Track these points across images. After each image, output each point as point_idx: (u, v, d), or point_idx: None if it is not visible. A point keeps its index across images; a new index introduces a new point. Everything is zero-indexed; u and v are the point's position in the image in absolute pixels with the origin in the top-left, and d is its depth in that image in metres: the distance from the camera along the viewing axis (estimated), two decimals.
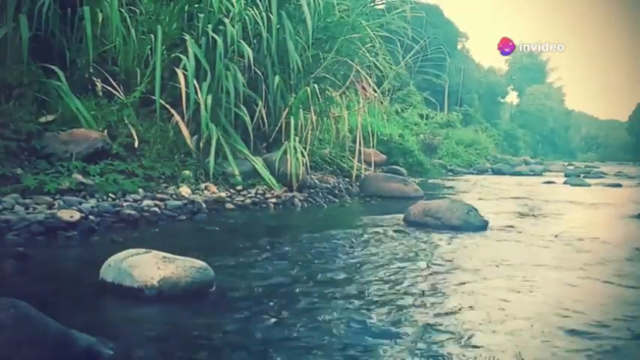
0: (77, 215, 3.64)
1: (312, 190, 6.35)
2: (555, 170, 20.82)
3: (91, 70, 5.51)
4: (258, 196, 5.55)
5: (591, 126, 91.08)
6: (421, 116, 22.71)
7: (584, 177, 15.00)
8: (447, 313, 2.18)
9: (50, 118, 4.85)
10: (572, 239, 4.06)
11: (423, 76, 10.73)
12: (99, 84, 5.51)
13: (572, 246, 3.82)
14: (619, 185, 11.95)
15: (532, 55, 71.57)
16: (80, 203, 3.92)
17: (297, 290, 2.46)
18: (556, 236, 4.18)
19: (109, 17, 5.52)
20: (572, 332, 1.98)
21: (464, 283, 2.68)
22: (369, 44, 7.66)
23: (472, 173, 17.55)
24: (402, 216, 4.89)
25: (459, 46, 45.81)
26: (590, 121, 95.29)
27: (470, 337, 1.90)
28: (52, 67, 5.11)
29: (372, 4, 8.29)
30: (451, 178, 14.20)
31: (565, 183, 12.29)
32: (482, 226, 4.46)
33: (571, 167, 25.34)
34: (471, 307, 2.28)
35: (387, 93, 8.84)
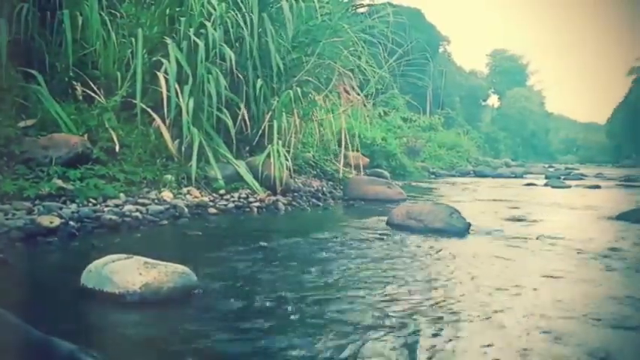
0: (57, 221, 3.59)
1: (295, 194, 6.34)
2: (536, 172, 21.04)
3: (71, 74, 5.45)
4: (242, 200, 5.52)
5: (570, 129, 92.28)
6: (404, 119, 22.82)
7: (564, 179, 15.17)
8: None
9: (30, 122, 4.79)
10: (554, 240, 4.11)
11: (406, 80, 10.76)
12: (79, 88, 5.45)
13: (554, 247, 3.86)
14: (598, 187, 12.12)
15: (512, 59, 72.44)
16: (60, 209, 3.86)
17: (282, 296, 2.45)
18: (537, 238, 4.22)
19: (89, 21, 5.48)
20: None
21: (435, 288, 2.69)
22: (352, 48, 7.69)
23: (454, 176, 17.67)
24: (385, 218, 4.91)
25: (441, 50, 46.18)
26: (570, 123, 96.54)
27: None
28: (32, 71, 5.05)
29: (354, 8, 8.32)
30: (434, 180, 14.29)
31: (546, 185, 12.43)
32: (465, 228, 4.49)
33: (551, 169, 25.64)
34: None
35: (370, 96, 8.87)
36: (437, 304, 2.34)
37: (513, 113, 63.64)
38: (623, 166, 38.73)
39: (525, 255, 3.60)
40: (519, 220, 5.56)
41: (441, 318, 2.14)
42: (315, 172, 8.02)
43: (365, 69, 7.98)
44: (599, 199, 8.97)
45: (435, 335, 1.94)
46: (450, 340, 1.90)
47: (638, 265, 3.31)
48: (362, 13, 8.51)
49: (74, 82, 5.46)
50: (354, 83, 7.97)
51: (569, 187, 11.93)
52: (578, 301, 2.46)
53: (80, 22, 5.54)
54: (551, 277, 2.94)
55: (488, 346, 1.85)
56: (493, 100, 70.60)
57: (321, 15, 7.22)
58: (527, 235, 4.34)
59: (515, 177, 17.68)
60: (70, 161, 4.56)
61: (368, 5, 8.42)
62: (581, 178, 16.54)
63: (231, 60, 5.81)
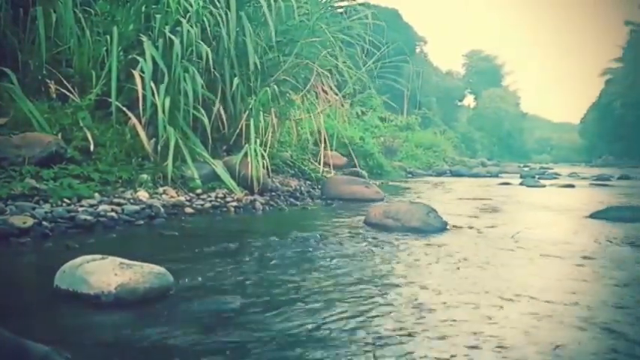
0: (30, 221, 3.53)
1: (273, 194, 6.32)
2: (511, 171, 21.29)
3: (45, 72, 5.37)
4: (219, 199, 5.49)
5: (545, 129, 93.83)
6: (381, 119, 22.94)
7: (539, 178, 15.37)
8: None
9: (2, 121, 4.71)
10: (528, 240, 4.16)
11: (385, 81, 10.84)
12: (52, 86, 5.37)
13: (528, 247, 3.91)
14: (572, 186, 12.31)
15: (488, 59, 73.36)
16: (33, 209, 3.80)
17: (257, 296, 2.44)
18: (512, 237, 4.27)
19: (62, 18, 5.40)
20: None
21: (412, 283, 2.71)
22: (330, 49, 7.69)
23: (431, 175, 17.81)
24: (362, 218, 4.93)
25: (417, 50, 46.55)
26: (544, 123, 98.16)
27: None
28: (4, 69, 4.96)
29: (333, 8, 8.33)
30: (411, 180, 14.38)
31: (521, 184, 12.58)
32: (442, 227, 4.53)
33: (526, 168, 26.00)
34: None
35: (348, 96, 8.91)
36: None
37: (489, 113, 64.48)
38: (596, 165, 39.51)
39: (500, 253, 3.64)
40: (494, 218, 5.63)
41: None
42: (292, 172, 8.01)
43: (342, 70, 8.00)
44: (572, 198, 9.13)
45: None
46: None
47: (607, 263, 3.37)
48: (340, 14, 8.53)
49: (47, 81, 5.38)
50: (331, 83, 7.98)
51: (544, 186, 12.10)
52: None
53: (54, 20, 5.46)
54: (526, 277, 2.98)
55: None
56: (469, 100, 71.54)
57: (299, 15, 7.22)
58: (503, 234, 4.39)
59: (491, 176, 17.88)
60: (44, 160, 4.49)
61: (346, 6, 8.45)
62: (556, 178, 16.77)
63: (207, 58, 5.77)
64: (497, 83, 72.04)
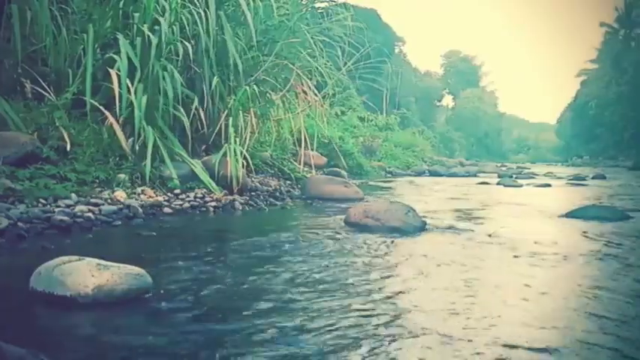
0: (5, 222, 3.47)
1: (253, 193, 6.31)
2: (489, 171, 21.49)
3: (20, 71, 5.28)
4: (198, 199, 5.45)
5: (522, 129, 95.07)
6: (361, 119, 23.02)
7: (516, 178, 15.55)
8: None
9: None
10: (505, 239, 4.21)
11: (363, 82, 10.89)
12: (28, 85, 5.29)
13: (505, 246, 3.95)
14: (548, 185, 12.47)
15: (466, 60, 74.04)
16: (8, 209, 3.74)
17: (237, 298, 2.44)
18: (490, 235, 4.32)
19: (38, 16, 5.32)
20: None
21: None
22: (310, 50, 7.70)
23: (410, 175, 17.91)
24: (342, 217, 4.93)
25: (397, 51, 46.81)
26: (521, 124, 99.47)
27: None
28: None
29: (312, 9, 8.34)
30: (390, 179, 14.46)
31: (498, 184, 12.71)
32: (421, 226, 4.56)
33: (504, 168, 26.32)
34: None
35: (327, 97, 8.91)
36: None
37: (467, 113, 65.13)
38: (572, 165, 40.13)
39: (481, 254, 3.68)
40: (472, 218, 5.68)
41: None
42: (272, 171, 8.00)
43: (322, 70, 8.01)
44: (549, 198, 9.25)
45: None
46: None
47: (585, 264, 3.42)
48: (320, 15, 8.54)
49: (23, 79, 5.30)
50: (311, 84, 7.98)
51: (521, 185, 12.24)
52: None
53: (29, 18, 5.37)
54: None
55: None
56: (447, 101, 72.19)
57: (280, 15, 7.21)
58: (481, 234, 4.44)
59: (469, 176, 18.04)
60: (19, 160, 4.42)
61: (326, 8, 8.47)
62: (533, 177, 16.97)
63: (188, 55, 5.73)
64: (475, 84, 72.77)
